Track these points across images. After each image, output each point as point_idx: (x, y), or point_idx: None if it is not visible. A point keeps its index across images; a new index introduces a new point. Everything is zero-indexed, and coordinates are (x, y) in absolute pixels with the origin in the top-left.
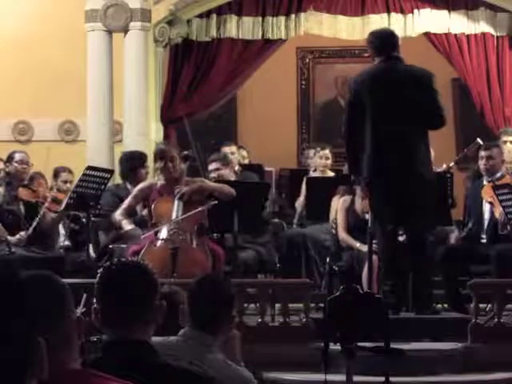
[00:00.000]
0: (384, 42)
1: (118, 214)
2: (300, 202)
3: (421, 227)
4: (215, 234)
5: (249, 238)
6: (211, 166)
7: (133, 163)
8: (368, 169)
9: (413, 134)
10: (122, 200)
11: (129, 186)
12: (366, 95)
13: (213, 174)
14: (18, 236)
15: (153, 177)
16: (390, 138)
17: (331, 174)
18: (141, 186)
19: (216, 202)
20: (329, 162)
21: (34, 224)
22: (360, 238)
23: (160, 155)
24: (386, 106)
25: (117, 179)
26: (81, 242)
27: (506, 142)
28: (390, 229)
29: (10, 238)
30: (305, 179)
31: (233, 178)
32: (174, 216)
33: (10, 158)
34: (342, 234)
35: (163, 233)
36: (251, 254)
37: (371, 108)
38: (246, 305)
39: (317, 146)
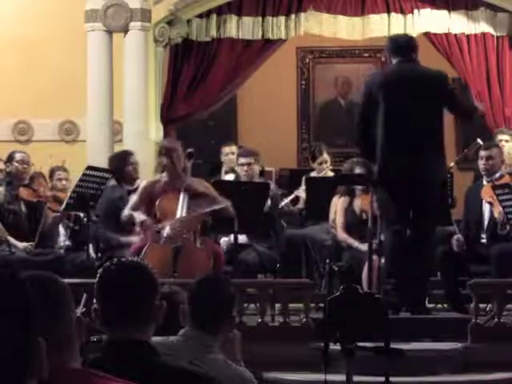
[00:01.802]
0: (400, 43)
1: (126, 211)
2: (287, 201)
3: (426, 228)
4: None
5: (255, 240)
6: (243, 160)
7: (115, 164)
8: (379, 168)
9: (426, 134)
10: (116, 201)
11: (125, 186)
12: (380, 95)
13: (245, 168)
14: (25, 244)
15: (155, 173)
16: (403, 137)
17: (330, 173)
18: (144, 183)
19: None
20: (328, 164)
21: (39, 230)
22: (359, 237)
23: (164, 151)
24: (398, 107)
25: None
26: (81, 242)
27: (500, 140)
28: (397, 228)
29: (14, 241)
30: (304, 179)
31: (257, 175)
32: (178, 214)
33: (10, 158)
34: (341, 234)
35: (167, 229)
36: (252, 254)
37: (384, 108)
38: (245, 305)
39: (314, 152)
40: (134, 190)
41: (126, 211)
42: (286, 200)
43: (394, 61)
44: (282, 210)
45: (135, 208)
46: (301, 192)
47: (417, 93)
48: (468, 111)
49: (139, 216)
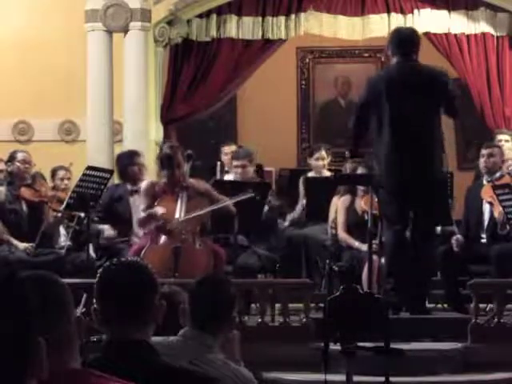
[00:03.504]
0: (401, 40)
1: (141, 213)
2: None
3: (428, 228)
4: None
5: (254, 243)
6: (236, 163)
7: (122, 163)
8: (381, 167)
9: (428, 133)
10: (116, 199)
11: (128, 186)
12: (383, 95)
13: (239, 171)
14: (26, 245)
15: (156, 177)
16: (406, 138)
17: (328, 173)
18: (145, 184)
19: (252, 194)
20: (325, 162)
21: (41, 231)
22: (359, 237)
23: (167, 163)
24: (401, 106)
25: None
26: (81, 242)
27: (500, 140)
28: (398, 228)
29: (15, 242)
30: (301, 179)
31: (253, 174)
32: (177, 215)
33: (12, 158)
34: (342, 234)
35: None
36: (253, 258)
37: (387, 108)
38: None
39: (312, 148)
40: (137, 191)
41: (142, 214)
42: (293, 214)
43: (394, 58)
44: (291, 223)
45: (149, 209)
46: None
47: (420, 92)
48: (457, 109)
49: (159, 209)
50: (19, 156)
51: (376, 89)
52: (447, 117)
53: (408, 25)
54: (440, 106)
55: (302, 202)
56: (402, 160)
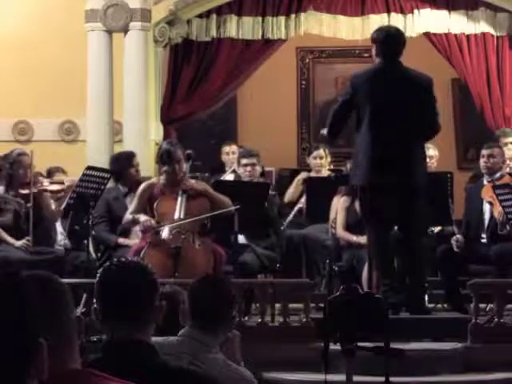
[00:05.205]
0: (387, 42)
1: (127, 215)
2: (293, 214)
3: (416, 231)
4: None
5: (253, 241)
6: (246, 161)
7: (119, 164)
8: (365, 172)
9: (410, 136)
10: (110, 201)
11: (120, 187)
12: (364, 96)
13: (248, 169)
14: (23, 241)
15: (155, 176)
16: (388, 141)
17: (327, 172)
18: (142, 186)
19: (238, 206)
20: (323, 161)
21: (31, 222)
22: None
23: (167, 158)
24: (384, 109)
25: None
26: (81, 241)
27: (506, 143)
28: (381, 232)
29: (11, 240)
30: (301, 179)
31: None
32: (176, 215)
33: (9, 158)
34: (340, 231)
35: (165, 232)
36: (251, 256)
37: (369, 109)
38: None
39: (311, 147)
40: (130, 191)
41: (128, 216)
42: (292, 214)
43: (379, 59)
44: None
45: (136, 213)
46: (303, 202)
47: (402, 95)
48: (437, 122)
49: (142, 216)
50: (16, 155)
51: (359, 89)
52: (429, 133)
53: (408, 25)
54: (422, 110)
55: (301, 200)
56: (381, 159)
